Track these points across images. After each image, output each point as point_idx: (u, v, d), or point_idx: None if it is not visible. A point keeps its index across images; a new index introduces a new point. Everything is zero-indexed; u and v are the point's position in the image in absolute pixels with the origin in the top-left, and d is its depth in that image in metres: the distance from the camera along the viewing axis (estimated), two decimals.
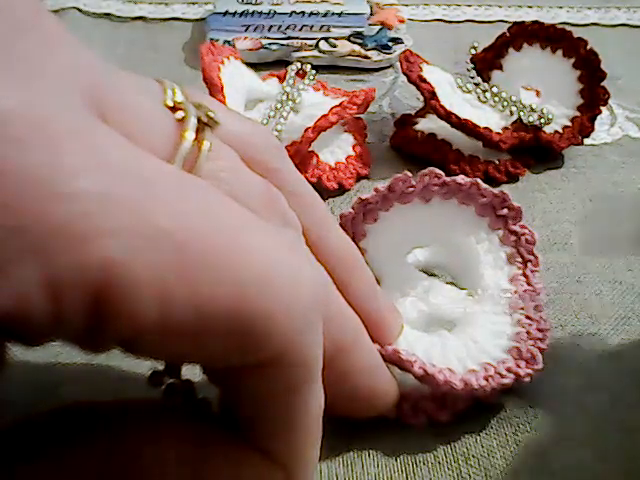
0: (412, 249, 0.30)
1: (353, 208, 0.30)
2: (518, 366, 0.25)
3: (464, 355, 0.25)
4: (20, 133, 0.14)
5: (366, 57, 0.45)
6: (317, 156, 0.35)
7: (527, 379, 0.25)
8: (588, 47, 0.38)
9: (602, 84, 0.38)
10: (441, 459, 0.25)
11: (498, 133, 0.37)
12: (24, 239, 0.13)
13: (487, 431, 0.25)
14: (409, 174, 0.29)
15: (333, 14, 0.48)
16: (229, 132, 0.20)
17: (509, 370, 0.25)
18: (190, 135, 0.18)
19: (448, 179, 0.29)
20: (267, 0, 0.49)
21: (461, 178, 0.29)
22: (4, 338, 0.16)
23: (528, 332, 0.26)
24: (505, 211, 0.29)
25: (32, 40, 0.16)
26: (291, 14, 0.48)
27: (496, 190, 0.29)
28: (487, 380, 0.24)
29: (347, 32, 0.47)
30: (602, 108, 0.38)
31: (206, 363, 0.19)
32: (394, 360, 0.24)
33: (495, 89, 0.38)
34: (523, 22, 0.40)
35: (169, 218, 0.15)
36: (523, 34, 0.40)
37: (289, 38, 0.46)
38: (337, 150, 0.36)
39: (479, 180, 0.29)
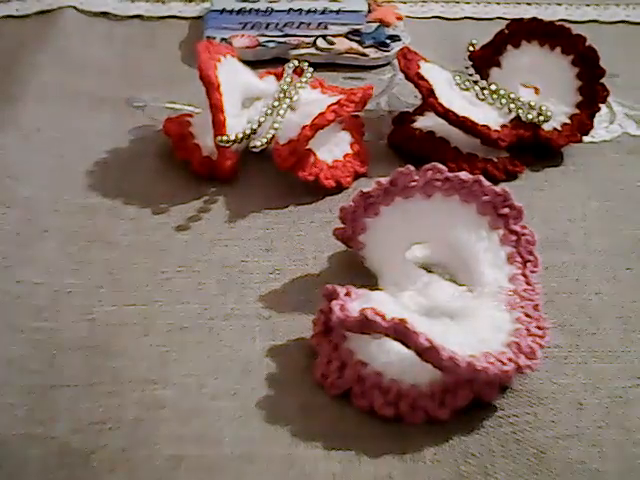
0: (411, 245, 0.30)
1: (354, 201, 0.30)
2: (518, 358, 0.25)
3: (465, 342, 0.25)
4: None
5: (364, 55, 0.45)
6: (315, 154, 0.35)
7: (527, 371, 0.25)
8: (587, 44, 0.38)
9: (601, 81, 0.38)
10: (440, 457, 0.25)
11: (497, 131, 0.37)
12: None
13: (486, 430, 0.25)
14: (412, 168, 0.29)
15: (331, 11, 0.48)
16: None
17: (510, 360, 0.25)
18: None
19: (450, 175, 0.29)
20: None
21: (464, 174, 0.29)
22: None
23: (527, 329, 0.26)
24: (506, 210, 0.29)
25: None
26: (289, 11, 0.48)
27: (498, 188, 0.29)
28: (490, 364, 0.24)
29: (345, 29, 0.46)
30: (601, 105, 0.38)
31: None
32: (399, 332, 0.24)
33: (493, 86, 0.38)
34: (522, 19, 0.40)
35: None
36: (521, 31, 0.39)
37: (286, 36, 0.46)
38: (335, 148, 0.36)
39: (482, 177, 0.29)
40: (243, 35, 0.46)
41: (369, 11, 0.48)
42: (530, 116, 0.37)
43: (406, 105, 0.41)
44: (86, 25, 0.48)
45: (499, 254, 0.29)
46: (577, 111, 0.38)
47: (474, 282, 0.28)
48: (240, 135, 0.34)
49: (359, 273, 0.30)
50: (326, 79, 0.40)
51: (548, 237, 0.33)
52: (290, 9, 0.48)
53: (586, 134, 0.38)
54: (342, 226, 0.30)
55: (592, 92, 0.38)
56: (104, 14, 0.49)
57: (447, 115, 0.36)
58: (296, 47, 0.45)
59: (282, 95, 0.37)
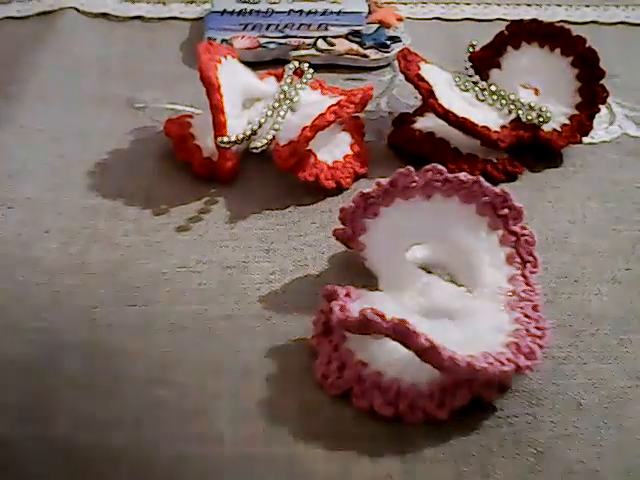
0: (411, 246, 0.30)
1: (354, 202, 0.30)
2: (517, 358, 0.25)
3: (464, 343, 0.25)
4: None
5: (364, 56, 0.45)
6: (315, 155, 0.35)
7: (526, 371, 0.25)
8: (587, 45, 0.38)
9: (601, 82, 0.38)
10: (440, 458, 0.25)
11: (496, 132, 0.37)
12: None
13: (486, 430, 0.25)
14: (411, 169, 0.29)
15: (331, 13, 0.48)
16: None
17: (509, 360, 0.25)
18: None
19: (450, 176, 0.29)
20: None
21: (463, 175, 0.29)
22: None
23: (527, 329, 0.26)
24: (506, 211, 0.29)
25: None
26: (289, 13, 0.48)
27: (498, 189, 0.29)
28: (489, 365, 0.24)
29: (345, 31, 0.47)
30: (601, 106, 0.38)
31: None
32: (399, 332, 0.24)
33: (493, 87, 0.38)
34: (521, 20, 0.40)
35: None
36: (521, 32, 0.40)
37: (287, 37, 0.46)
38: (335, 149, 0.36)
39: (481, 178, 0.29)
40: (244, 36, 0.46)
41: (369, 12, 0.48)
42: (530, 117, 0.37)
43: (406, 106, 0.41)
44: (87, 26, 0.48)
45: (498, 255, 0.29)
46: (577, 112, 0.38)
47: (474, 283, 0.28)
48: (240, 136, 0.34)
49: (359, 274, 0.30)
50: (326, 80, 0.41)
51: (547, 238, 0.33)
52: (290, 10, 0.48)
53: (586, 135, 0.38)
54: (342, 227, 0.30)
55: (592, 93, 0.38)
56: (105, 15, 0.49)
57: (447, 116, 0.36)
58: (296, 48, 0.45)
59: (282, 96, 0.37)
